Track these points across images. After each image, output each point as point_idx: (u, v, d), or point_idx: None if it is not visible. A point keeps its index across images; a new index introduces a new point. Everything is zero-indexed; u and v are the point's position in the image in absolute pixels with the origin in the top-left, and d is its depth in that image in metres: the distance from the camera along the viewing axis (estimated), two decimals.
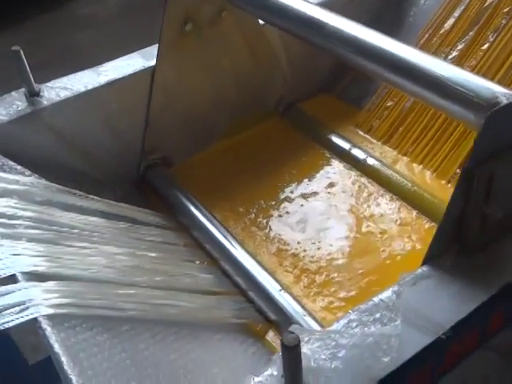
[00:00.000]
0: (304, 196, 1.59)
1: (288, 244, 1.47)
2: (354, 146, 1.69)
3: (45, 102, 1.43)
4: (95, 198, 1.43)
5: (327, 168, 1.67)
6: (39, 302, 0.98)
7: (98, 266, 1.20)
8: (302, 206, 1.57)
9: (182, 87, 1.61)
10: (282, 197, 1.60)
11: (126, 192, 1.59)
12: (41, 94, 1.45)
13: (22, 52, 1.38)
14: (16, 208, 1.23)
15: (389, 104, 1.75)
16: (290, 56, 1.77)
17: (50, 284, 1.04)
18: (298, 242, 1.46)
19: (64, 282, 1.08)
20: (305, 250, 1.44)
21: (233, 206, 1.59)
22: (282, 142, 1.78)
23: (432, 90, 1.02)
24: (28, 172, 1.35)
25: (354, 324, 0.87)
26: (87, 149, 1.51)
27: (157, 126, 1.62)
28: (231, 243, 1.44)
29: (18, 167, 1.34)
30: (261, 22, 1.66)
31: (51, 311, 0.96)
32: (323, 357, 0.79)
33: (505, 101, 0.88)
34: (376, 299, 0.91)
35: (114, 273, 1.21)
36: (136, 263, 1.30)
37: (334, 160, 1.69)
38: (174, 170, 1.70)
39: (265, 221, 1.53)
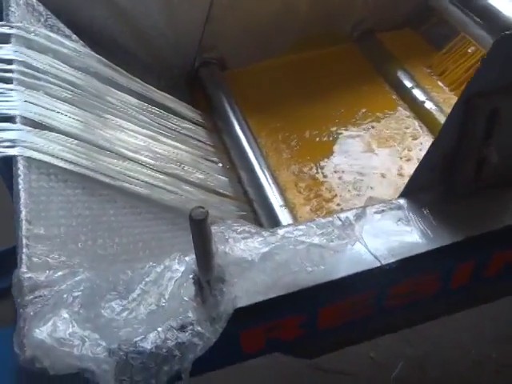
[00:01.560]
0: (346, 125, 1.51)
1: (311, 168, 1.41)
2: (418, 86, 1.56)
3: None
4: (136, 79, 1.45)
5: (382, 103, 1.56)
6: (28, 144, 1.02)
7: (108, 135, 1.22)
8: (339, 133, 1.49)
9: None
10: (324, 122, 1.53)
11: (172, 83, 1.59)
12: None
13: None
14: (49, 65, 1.27)
15: (469, 50, 1.59)
16: None
17: (48, 134, 1.08)
18: (321, 168, 1.40)
19: (62, 137, 1.10)
20: (325, 177, 1.38)
21: (271, 120, 1.54)
22: (345, 68, 1.68)
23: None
24: (75, 37, 1.38)
25: (300, 233, 0.82)
26: (142, 30, 1.52)
27: (218, 25, 1.59)
28: (254, 153, 1.41)
29: (67, 31, 1.37)
30: None
31: (34, 155, 1.00)
32: (242, 247, 0.76)
33: None
34: (334, 216, 0.85)
35: (121, 146, 1.22)
36: (150, 145, 1.31)
37: (392, 96, 1.58)
38: (227, 73, 1.67)
39: (296, 140, 1.48)
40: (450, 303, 0.95)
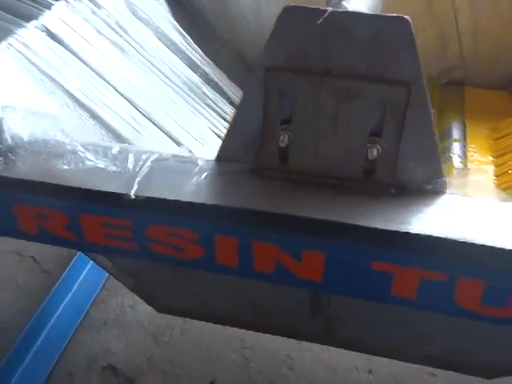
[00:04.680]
0: None
1: None
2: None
3: None
4: (196, 47, 1.59)
5: None
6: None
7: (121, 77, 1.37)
8: None
9: None
10: None
11: (236, 65, 1.70)
12: None
13: None
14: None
15: None
16: None
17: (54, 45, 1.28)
18: None
19: (66, 53, 1.27)
20: None
21: None
22: None
23: None
24: None
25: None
26: (230, 12, 1.65)
27: None
28: None
29: None
30: None
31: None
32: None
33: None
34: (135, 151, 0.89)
35: (129, 90, 1.35)
36: (168, 101, 1.43)
37: None
38: None
39: None
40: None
